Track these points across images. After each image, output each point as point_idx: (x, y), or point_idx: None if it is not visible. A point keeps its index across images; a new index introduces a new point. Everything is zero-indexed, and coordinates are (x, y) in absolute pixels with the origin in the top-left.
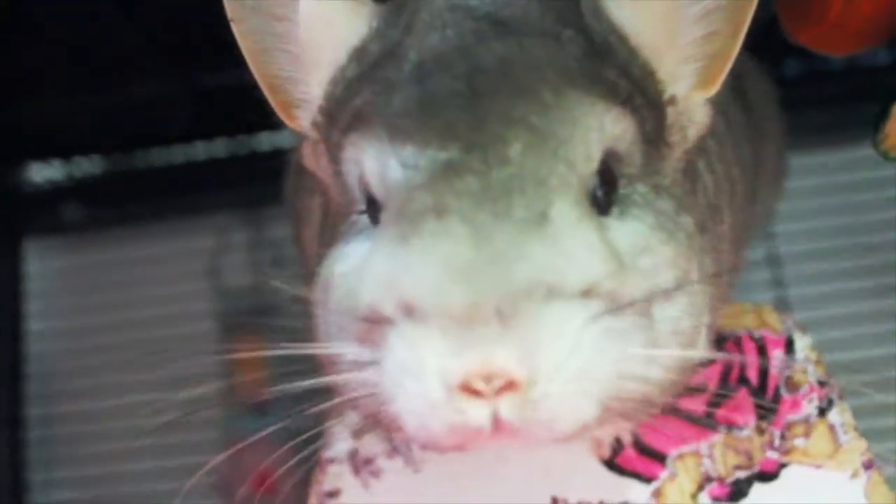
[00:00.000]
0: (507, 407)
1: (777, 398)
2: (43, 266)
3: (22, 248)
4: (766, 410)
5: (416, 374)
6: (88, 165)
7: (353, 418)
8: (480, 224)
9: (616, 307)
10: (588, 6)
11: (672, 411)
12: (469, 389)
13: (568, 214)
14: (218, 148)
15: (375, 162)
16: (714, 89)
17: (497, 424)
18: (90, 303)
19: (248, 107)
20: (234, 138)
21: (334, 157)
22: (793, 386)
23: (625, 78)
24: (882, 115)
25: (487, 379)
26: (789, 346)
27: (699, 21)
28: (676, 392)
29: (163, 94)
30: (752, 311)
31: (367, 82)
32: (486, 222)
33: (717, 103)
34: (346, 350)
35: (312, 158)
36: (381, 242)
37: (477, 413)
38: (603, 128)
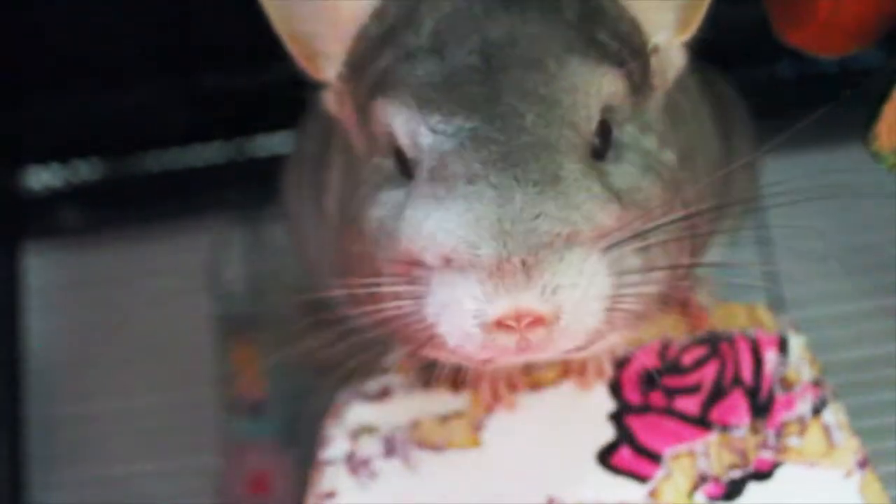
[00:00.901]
0: (534, 335)
1: (771, 398)
2: (41, 269)
3: (20, 252)
4: (761, 410)
5: (457, 313)
6: (86, 169)
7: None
8: (504, 188)
9: (619, 240)
10: None
11: (667, 411)
12: (502, 326)
13: (575, 172)
14: (216, 152)
15: (406, 126)
16: (690, 32)
17: (524, 343)
18: (89, 306)
19: (245, 111)
20: (231, 143)
21: (360, 109)
22: (787, 385)
23: (615, 38)
24: (872, 116)
25: (517, 319)
26: (783, 345)
27: None
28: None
29: (160, 99)
30: (746, 310)
31: (388, 44)
32: (509, 186)
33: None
34: (393, 285)
35: (337, 106)
36: (419, 200)
37: (507, 340)
38: (600, 89)
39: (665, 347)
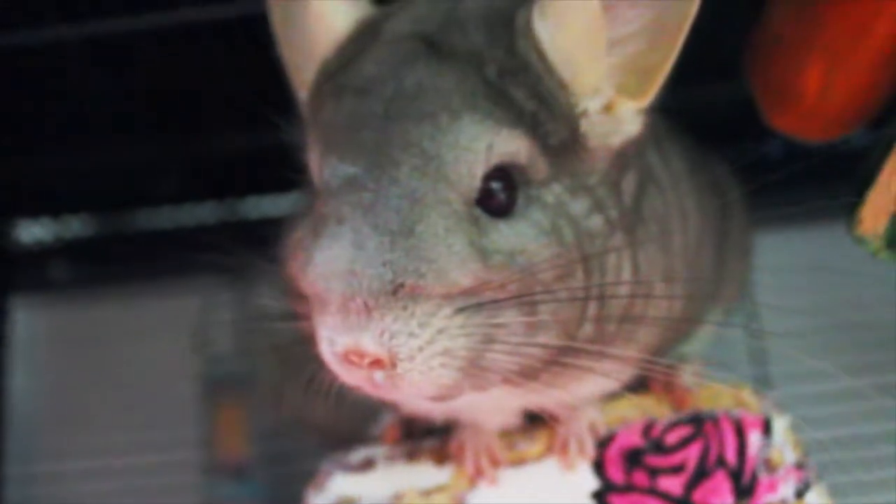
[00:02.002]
0: (378, 376)
1: (755, 480)
2: (29, 323)
3: (8, 305)
4: (744, 492)
5: (320, 341)
6: (77, 225)
7: None
8: (362, 233)
9: (478, 300)
10: (520, 23)
11: (650, 491)
12: (348, 361)
13: (436, 227)
14: (207, 213)
15: (315, 162)
16: (646, 101)
17: (370, 382)
18: (75, 362)
19: (237, 173)
20: (223, 204)
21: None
22: (771, 467)
23: (534, 97)
24: (856, 202)
25: (359, 356)
26: (767, 427)
27: (630, 39)
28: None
29: (153, 158)
30: (731, 391)
31: (331, 80)
32: (366, 232)
33: (684, 156)
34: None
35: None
36: (306, 233)
37: (355, 376)
38: (492, 147)
39: (649, 426)
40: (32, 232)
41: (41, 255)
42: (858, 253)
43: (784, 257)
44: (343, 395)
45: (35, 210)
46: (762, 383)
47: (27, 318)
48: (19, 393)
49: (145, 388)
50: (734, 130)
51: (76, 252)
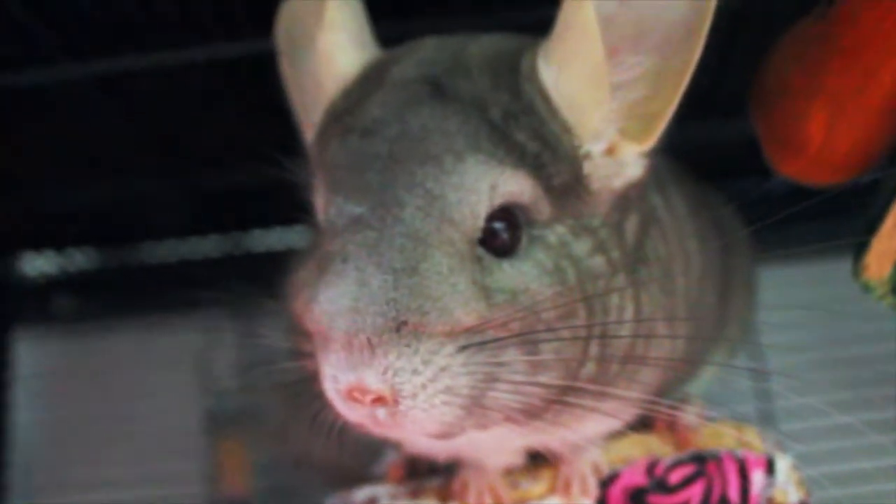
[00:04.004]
0: (381, 413)
1: None
2: (32, 357)
3: (11, 338)
4: None
5: (324, 378)
6: (81, 258)
7: None
8: (366, 271)
9: (480, 339)
10: (526, 66)
11: None
12: (351, 398)
13: (440, 266)
14: (211, 247)
15: (321, 201)
16: (649, 145)
17: (373, 419)
18: (77, 395)
19: (241, 207)
20: (227, 238)
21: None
22: None
23: (537, 139)
24: (861, 248)
25: (362, 393)
26: (770, 466)
27: (633, 84)
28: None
29: (158, 192)
30: (734, 430)
31: (338, 121)
32: (370, 271)
33: (687, 197)
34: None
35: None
36: (311, 271)
37: (358, 414)
38: (496, 188)
39: (652, 465)
40: (36, 265)
41: (45, 288)
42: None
43: (787, 294)
44: (347, 433)
45: (39, 243)
46: (766, 419)
47: (30, 351)
48: (22, 426)
49: (148, 423)
50: (737, 167)
51: (80, 285)
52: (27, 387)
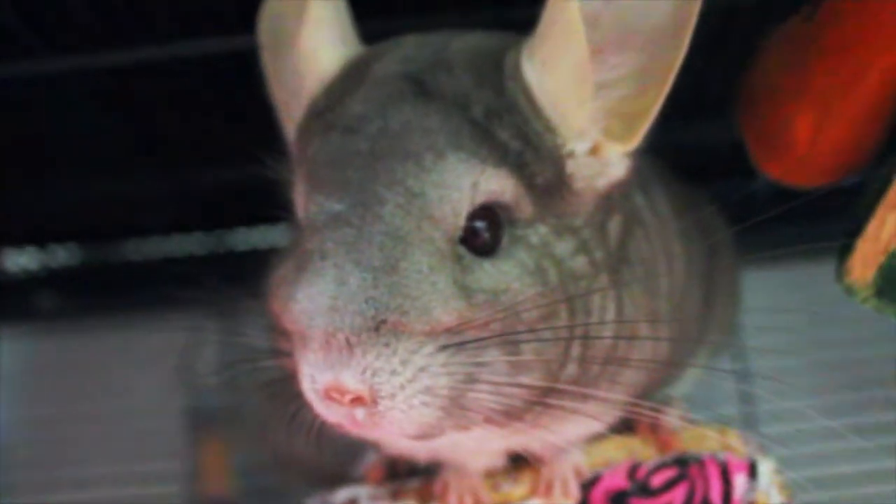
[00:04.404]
0: (359, 413)
1: None
2: (13, 353)
3: None
4: None
5: (302, 377)
6: (63, 255)
7: None
8: (344, 269)
9: (460, 339)
10: (509, 64)
11: None
12: (329, 397)
13: (420, 264)
14: (195, 244)
15: (301, 198)
16: (633, 145)
17: (352, 419)
18: (59, 392)
19: (226, 205)
20: (211, 236)
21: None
22: None
23: (519, 138)
24: (844, 251)
25: (340, 392)
26: (753, 470)
27: (617, 84)
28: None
29: (141, 189)
30: (717, 434)
31: (319, 118)
32: (349, 268)
33: (671, 198)
34: (283, 341)
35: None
36: (289, 268)
37: (336, 413)
38: (477, 186)
39: (634, 468)
40: (18, 261)
41: (27, 284)
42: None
43: (770, 297)
44: (326, 434)
45: (21, 239)
46: (749, 422)
47: (11, 348)
48: (2, 423)
49: (130, 421)
50: (721, 169)
51: (62, 282)
52: (8, 384)
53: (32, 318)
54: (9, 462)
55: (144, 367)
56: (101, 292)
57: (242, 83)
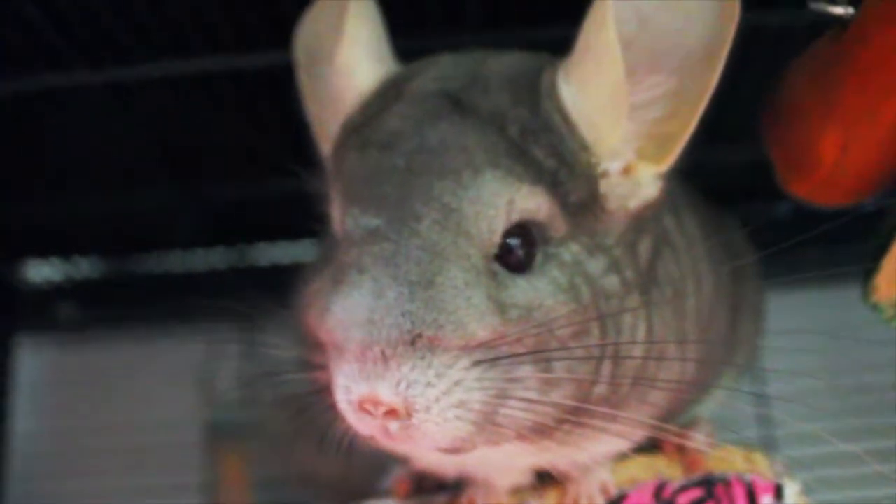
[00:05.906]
0: (393, 425)
1: None
2: (34, 364)
3: (13, 345)
4: None
5: (336, 389)
6: (86, 267)
7: None
8: (382, 283)
9: (494, 354)
10: (546, 84)
11: None
12: (363, 410)
13: (456, 279)
14: (217, 258)
15: (338, 212)
16: (666, 166)
17: (385, 432)
18: (79, 404)
19: (248, 220)
20: (233, 250)
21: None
22: None
23: (554, 156)
24: (871, 270)
25: (375, 404)
26: (779, 492)
27: (652, 105)
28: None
29: (165, 202)
30: (743, 454)
31: (356, 133)
32: (386, 282)
33: (699, 220)
34: (318, 354)
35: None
36: (326, 281)
37: (369, 426)
38: (513, 204)
39: (660, 488)
40: (41, 272)
41: (49, 295)
42: (867, 315)
43: (792, 319)
44: (354, 448)
45: (44, 250)
46: (768, 445)
47: (32, 359)
48: (22, 434)
49: (149, 433)
50: (743, 192)
51: (84, 293)
52: (28, 395)
53: (54, 330)
54: (29, 472)
55: (164, 380)
56: (122, 305)
57: (268, 99)
